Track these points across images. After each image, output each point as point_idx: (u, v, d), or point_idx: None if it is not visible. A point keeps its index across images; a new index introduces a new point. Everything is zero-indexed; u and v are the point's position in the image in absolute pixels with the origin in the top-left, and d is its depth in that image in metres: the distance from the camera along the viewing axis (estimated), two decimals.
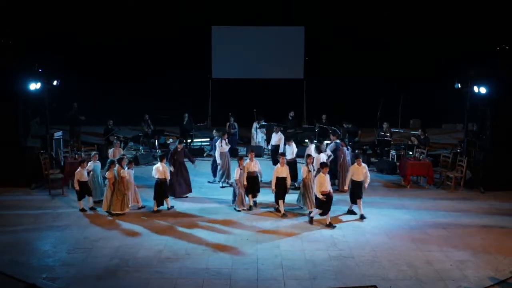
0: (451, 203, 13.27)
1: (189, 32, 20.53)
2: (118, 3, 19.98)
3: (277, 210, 12.27)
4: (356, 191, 12.02)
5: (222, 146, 14.28)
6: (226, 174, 14.44)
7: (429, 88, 19.66)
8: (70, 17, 19.47)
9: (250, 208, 12.47)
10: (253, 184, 12.56)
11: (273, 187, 12.21)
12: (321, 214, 11.45)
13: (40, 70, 14.51)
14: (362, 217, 11.91)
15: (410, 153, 16.09)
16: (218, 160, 14.31)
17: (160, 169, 12.34)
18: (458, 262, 9.81)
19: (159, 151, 17.59)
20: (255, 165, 12.62)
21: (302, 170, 12.27)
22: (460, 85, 14.71)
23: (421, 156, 14.92)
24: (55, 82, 14.88)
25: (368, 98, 19.22)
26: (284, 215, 12.06)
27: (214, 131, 15.67)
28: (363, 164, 12.15)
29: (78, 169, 12.42)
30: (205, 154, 17.82)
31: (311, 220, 11.62)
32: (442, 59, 19.30)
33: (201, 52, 21.21)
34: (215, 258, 9.89)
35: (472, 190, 14.28)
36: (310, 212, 11.81)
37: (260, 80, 21.18)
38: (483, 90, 14.17)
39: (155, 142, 18.26)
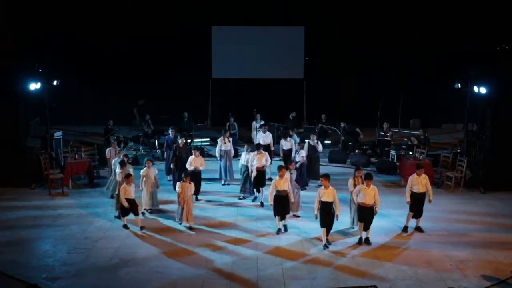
0: (451, 203, 13.26)
1: (189, 32, 20.52)
2: (118, 3, 19.98)
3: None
4: (420, 205, 11.14)
5: (224, 144, 14.47)
6: (229, 173, 14.54)
7: (429, 88, 19.65)
8: (70, 17, 19.45)
9: (278, 232, 11.12)
10: (282, 205, 11.05)
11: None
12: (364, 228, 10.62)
13: (40, 70, 14.50)
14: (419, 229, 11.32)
15: (410, 153, 16.08)
16: (219, 158, 14.57)
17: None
18: (458, 262, 9.81)
19: (159, 151, 17.63)
20: (285, 183, 11.09)
21: (349, 183, 11.20)
22: (460, 85, 14.70)
23: (421, 156, 14.91)
24: (55, 82, 14.87)
25: (368, 98, 19.22)
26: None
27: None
28: (424, 175, 11.19)
29: (123, 185, 11.15)
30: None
31: (365, 240, 10.66)
32: (442, 59, 19.28)
33: (201, 52, 21.20)
34: (215, 258, 9.88)
35: (472, 190, 14.26)
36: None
37: (260, 80, 21.16)
38: (483, 90, 14.16)
39: (155, 142, 18.26)
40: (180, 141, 13.76)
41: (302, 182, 13.55)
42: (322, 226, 10.37)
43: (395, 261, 9.83)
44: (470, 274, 9.36)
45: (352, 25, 20.24)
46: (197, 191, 12.75)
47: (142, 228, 11.16)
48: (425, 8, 19.69)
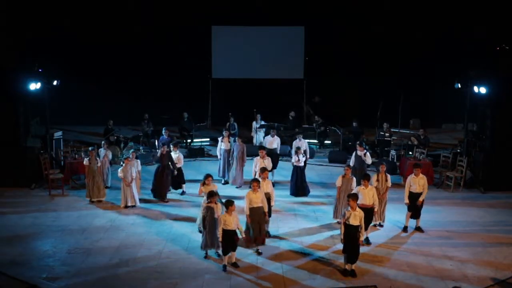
0: (451, 203, 13.27)
1: (189, 32, 20.53)
2: (118, 3, 19.98)
3: None
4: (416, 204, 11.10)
5: (223, 143, 14.53)
6: (227, 172, 14.57)
7: (429, 88, 19.66)
8: (70, 17, 19.48)
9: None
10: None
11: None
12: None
13: (40, 70, 14.50)
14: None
15: (410, 153, 16.08)
16: (219, 157, 14.66)
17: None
18: (458, 262, 9.82)
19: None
20: (267, 185, 10.73)
21: (372, 179, 11.02)
22: (460, 85, 14.72)
23: (421, 156, 14.91)
24: (55, 82, 14.88)
25: (368, 98, 19.23)
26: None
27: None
28: (422, 175, 11.20)
29: (223, 214, 9.35)
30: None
31: (365, 240, 10.45)
32: (442, 59, 19.30)
33: (201, 52, 21.21)
34: (215, 258, 9.87)
35: (472, 190, 14.28)
36: None
37: (260, 80, 21.17)
38: (483, 90, 14.17)
39: (155, 142, 18.25)
40: (162, 149, 13.14)
41: (303, 190, 13.48)
42: (344, 251, 9.32)
43: (395, 261, 9.84)
44: (470, 274, 9.37)
45: (352, 25, 20.24)
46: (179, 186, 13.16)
47: (225, 267, 9.40)
48: (425, 8, 19.70)
